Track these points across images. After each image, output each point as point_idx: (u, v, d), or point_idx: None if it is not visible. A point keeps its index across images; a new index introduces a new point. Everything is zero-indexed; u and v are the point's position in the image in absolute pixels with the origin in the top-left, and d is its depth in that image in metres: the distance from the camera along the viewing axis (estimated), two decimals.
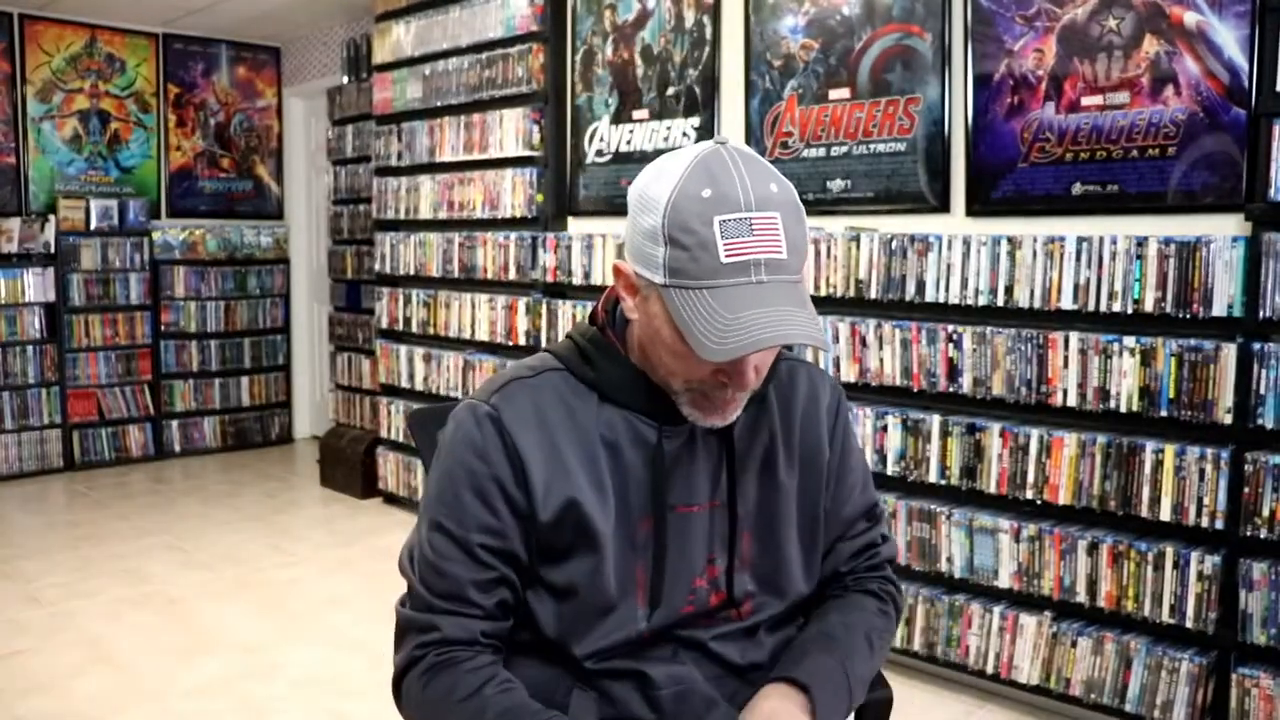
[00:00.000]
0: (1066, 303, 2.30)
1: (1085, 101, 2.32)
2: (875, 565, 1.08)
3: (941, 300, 2.50)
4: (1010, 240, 2.38)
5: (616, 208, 3.48)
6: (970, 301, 2.45)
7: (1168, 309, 2.16)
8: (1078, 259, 2.28)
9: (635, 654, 0.94)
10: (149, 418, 5.36)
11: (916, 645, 2.57)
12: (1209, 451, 2.10)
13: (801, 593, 1.02)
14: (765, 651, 1.00)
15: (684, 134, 3.25)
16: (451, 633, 0.90)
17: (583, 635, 0.92)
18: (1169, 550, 2.16)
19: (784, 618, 1.03)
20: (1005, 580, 2.41)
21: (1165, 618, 2.17)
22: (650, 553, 0.93)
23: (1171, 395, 2.15)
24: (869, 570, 1.08)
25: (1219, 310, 2.09)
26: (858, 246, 2.66)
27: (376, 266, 4.44)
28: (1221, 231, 2.12)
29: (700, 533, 0.95)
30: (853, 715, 1.10)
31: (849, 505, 1.06)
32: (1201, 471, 2.11)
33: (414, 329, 4.21)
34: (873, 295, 2.63)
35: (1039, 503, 2.36)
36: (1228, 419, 2.08)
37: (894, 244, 2.59)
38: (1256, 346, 2.04)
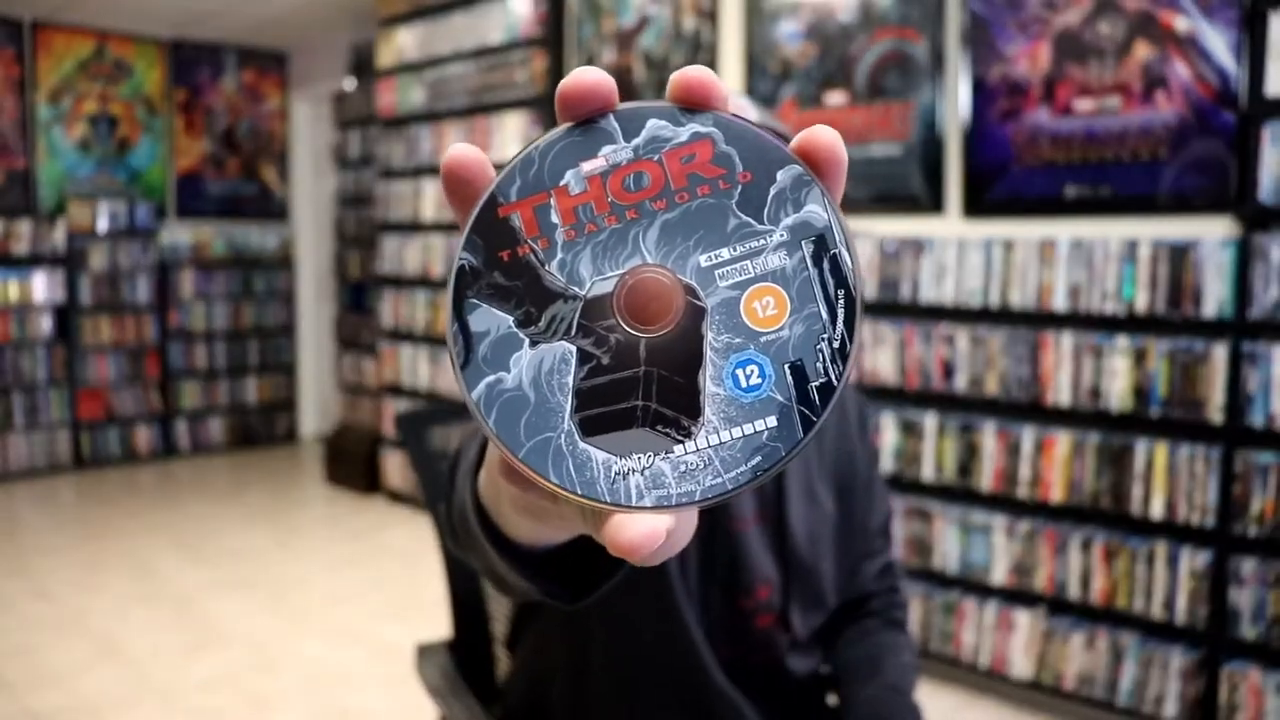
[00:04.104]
0: (1059, 304, 2.33)
1: (1078, 105, 2.35)
2: (895, 588, 1.09)
3: (936, 301, 2.54)
4: (1004, 242, 2.42)
5: None
6: (965, 302, 2.49)
7: (1159, 310, 2.19)
8: (1070, 261, 2.31)
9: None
10: (157, 417, 5.41)
11: None
12: (1200, 450, 2.13)
13: (831, 607, 1.03)
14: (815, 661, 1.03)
15: None
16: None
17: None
18: (1160, 547, 2.20)
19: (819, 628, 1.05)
20: (999, 577, 2.44)
21: (1157, 614, 2.20)
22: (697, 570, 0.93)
23: (1163, 395, 2.19)
24: (890, 592, 1.08)
25: (1209, 311, 2.12)
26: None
27: (381, 268, 4.49)
28: (1212, 234, 2.15)
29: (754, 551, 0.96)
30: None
31: (875, 517, 1.07)
32: (1192, 470, 2.14)
33: (418, 330, 4.26)
34: (869, 296, 2.67)
35: (1032, 501, 2.39)
36: (1218, 418, 2.12)
37: (889, 246, 2.62)
38: (1246, 347, 2.07)
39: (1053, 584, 2.35)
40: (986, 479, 2.45)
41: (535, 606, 1.01)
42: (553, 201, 0.30)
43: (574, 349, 0.30)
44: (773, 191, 0.30)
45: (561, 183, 0.30)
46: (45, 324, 5.03)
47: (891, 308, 2.63)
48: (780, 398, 0.30)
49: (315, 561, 3.68)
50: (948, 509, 2.52)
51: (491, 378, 0.30)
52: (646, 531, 0.28)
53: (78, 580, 3.41)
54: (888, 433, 2.62)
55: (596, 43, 3.55)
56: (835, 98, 2.83)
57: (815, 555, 0.99)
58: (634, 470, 0.29)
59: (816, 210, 0.30)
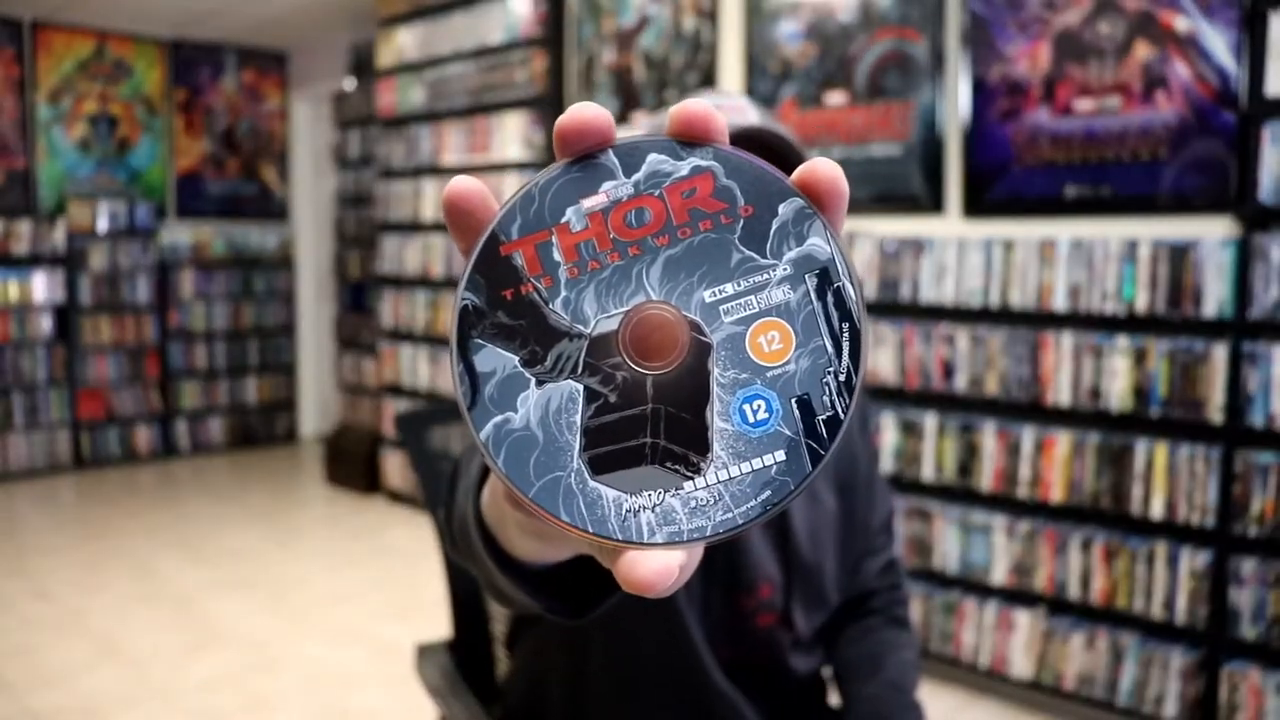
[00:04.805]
0: (1059, 304, 2.33)
1: (1078, 105, 2.35)
2: (896, 585, 1.09)
3: (936, 301, 2.54)
4: (1004, 242, 2.42)
5: None
6: (965, 302, 2.49)
7: (1159, 310, 2.19)
8: (1070, 261, 2.31)
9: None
10: (157, 417, 5.42)
11: None
12: (1200, 450, 2.13)
13: (834, 606, 1.03)
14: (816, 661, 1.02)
15: None
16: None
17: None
18: (1160, 547, 2.20)
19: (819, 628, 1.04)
20: (999, 577, 2.45)
21: (1157, 614, 2.20)
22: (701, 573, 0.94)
23: (1163, 395, 2.19)
24: (892, 589, 1.08)
25: (1209, 311, 2.12)
26: (853, 248, 2.69)
27: (381, 268, 4.49)
28: (1212, 233, 2.15)
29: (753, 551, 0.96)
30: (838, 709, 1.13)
31: (876, 514, 1.07)
32: (1192, 470, 2.14)
33: (418, 330, 4.26)
34: (869, 297, 2.67)
35: (1032, 501, 2.39)
36: (1218, 418, 2.12)
37: (889, 246, 2.62)
38: (1246, 347, 2.07)
39: (1053, 584, 2.35)
40: (986, 479, 2.45)
41: None
42: (554, 239, 0.30)
43: (581, 387, 0.30)
44: (775, 225, 0.30)
45: (563, 220, 0.30)
46: (45, 324, 5.03)
47: (891, 308, 2.64)
48: (788, 432, 0.30)
49: (315, 561, 3.69)
50: (948, 509, 2.53)
51: (499, 418, 0.30)
52: (659, 569, 0.28)
53: (78, 580, 3.41)
54: (888, 433, 2.62)
55: (596, 43, 3.55)
56: (835, 98, 2.83)
57: (817, 554, 0.99)
58: (645, 507, 0.29)
59: (819, 243, 0.30)
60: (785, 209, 0.31)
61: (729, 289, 0.30)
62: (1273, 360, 2.03)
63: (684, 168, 0.30)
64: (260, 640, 2.92)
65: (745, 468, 0.29)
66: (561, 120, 0.31)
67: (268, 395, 5.82)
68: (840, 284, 0.30)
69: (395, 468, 4.43)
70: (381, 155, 4.44)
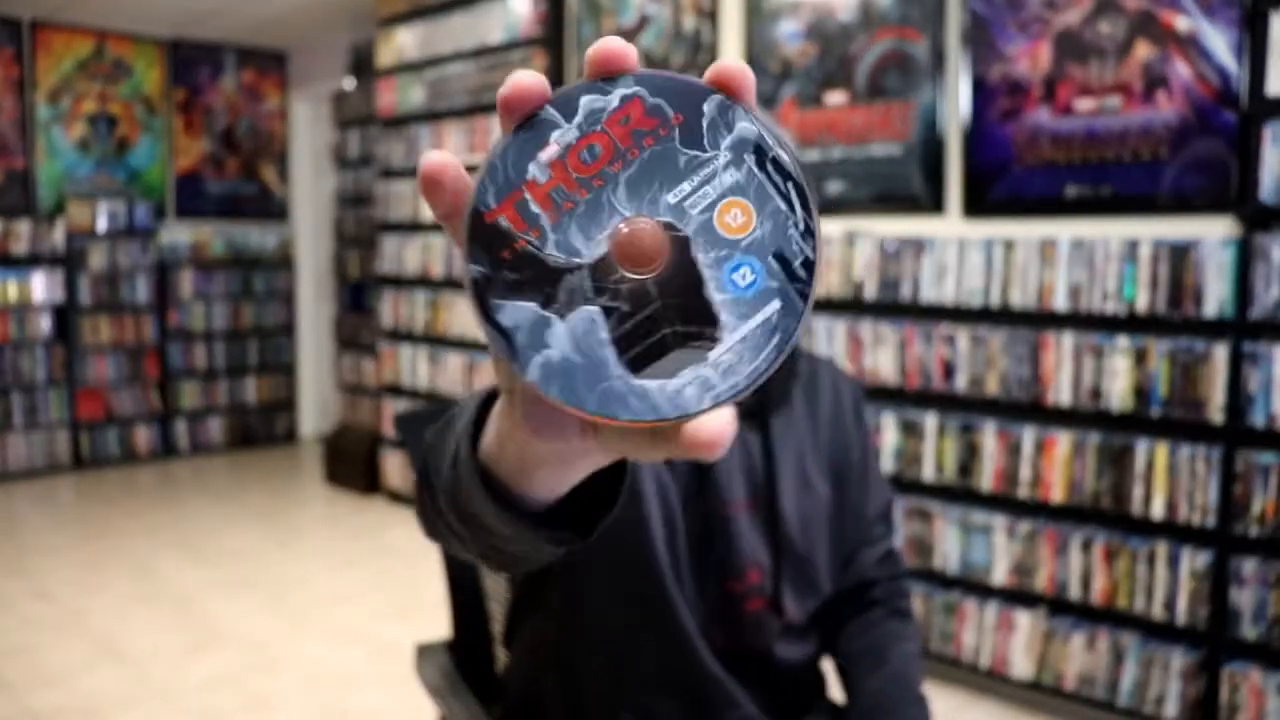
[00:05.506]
0: (1060, 303, 2.33)
1: (1079, 105, 2.35)
2: (897, 576, 1.10)
3: (937, 301, 2.54)
4: (1005, 242, 2.41)
5: None
6: (965, 302, 2.49)
7: (1160, 310, 2.19)
8: (1071, 260, 2.31)
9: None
10: (157, 417, 5.41)
11: None
12: (1200, 450, 2.13)
13: (826, 593, 1.03)
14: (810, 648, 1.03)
15: None
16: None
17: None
18: (1161, 548, 2.20)
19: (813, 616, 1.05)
20: (999, 577, 2.44)
21: (1157, 614, 2.20)
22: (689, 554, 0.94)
23: (1164, 395, 2.18)
24: (892, 580, 1.09)
25: (1210, 311, 2.12)
26: (853, 248, 2.69)
27: (380, 268, 4.49)
28: (1212, 233, 2.15)
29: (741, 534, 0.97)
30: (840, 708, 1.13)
31: (872, 504, 1.08)
32: (1193, 470, 2.14)
33: (417, 330, 4.26)
34: (869, 296, 2.67)
35: (1033, 501, 2.39)
36: (1219, 418, 2.11)
37: (890, 245, 2.62)
38: (1247, 347, 2.07)
39: (1053, 584, 2.35)
40: (987, 479, 2.45)
41: (530, 604, 1.01)
42: (527, 195, 0.34)
43: (597, 309, 0.34)
44: (705, 123, 0.34)
45: (528, 177, 0.34)
46: (44, 324, 5.02)
47: (892, 308, 2.63)
48: (775, 284, 0.34)
49: (315, 561, 3.68)
50: (948, 509, 2.52)
51: (539, 358, 0.33)
52: (717, 428, 0.32)
53: (78, 580, 3.41)
54: (888, 433, 2.62)
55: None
56: (835, 97, 2.82)
57: (809, 541, 1.00)
58: (686, 384, 0.33)
59: (746, 126, 0.35)
60: (709, 107, 0.35)
61: (686, 187, 0.34)
62: (1273, 360, 2.03)
63: (614, 100, 0.34)
64: (260, 640, 2.92)
65: (752, 324, 0.34)
66: (503, 92, 0.34)
67: (267, 395, 5.81)
68: (774, 153, 0.34)
69: (395, 468, 4.43)
70: (381, 155, 4.44)
